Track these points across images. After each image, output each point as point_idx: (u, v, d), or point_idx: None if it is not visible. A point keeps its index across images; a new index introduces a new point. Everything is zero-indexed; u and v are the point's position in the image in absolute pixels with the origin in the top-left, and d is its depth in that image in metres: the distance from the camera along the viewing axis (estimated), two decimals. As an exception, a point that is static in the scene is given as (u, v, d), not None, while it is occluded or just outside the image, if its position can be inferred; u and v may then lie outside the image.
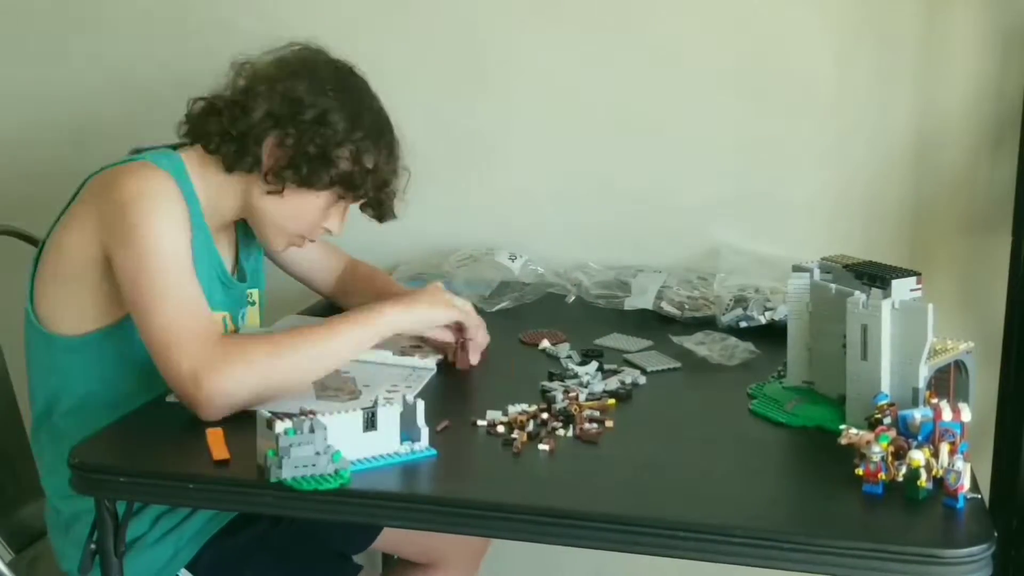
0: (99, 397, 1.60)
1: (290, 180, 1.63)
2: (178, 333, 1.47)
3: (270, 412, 1.31)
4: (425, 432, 1.37)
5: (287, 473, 1.27)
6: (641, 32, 2.16)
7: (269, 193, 1.65)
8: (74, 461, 1.36)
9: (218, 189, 1.66)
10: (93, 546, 1.41)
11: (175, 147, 1.68)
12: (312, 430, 1.28)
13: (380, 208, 1.76)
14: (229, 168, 1.64)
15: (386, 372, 1.66)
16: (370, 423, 1.34)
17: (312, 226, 1.71)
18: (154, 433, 1.46)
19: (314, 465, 1.27)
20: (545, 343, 1.81)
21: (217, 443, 1.36)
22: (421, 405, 1.37)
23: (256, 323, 1.82)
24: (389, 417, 1.36)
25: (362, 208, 1.75)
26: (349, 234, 1.96)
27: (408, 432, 1.37)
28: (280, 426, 1.27)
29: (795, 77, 2.13)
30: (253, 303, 1.81)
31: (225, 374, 1.44)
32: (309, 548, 1.72)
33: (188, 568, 1.63)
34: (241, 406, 1.45)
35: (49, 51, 2.40)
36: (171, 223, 1.54)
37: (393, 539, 1.86)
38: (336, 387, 1.58)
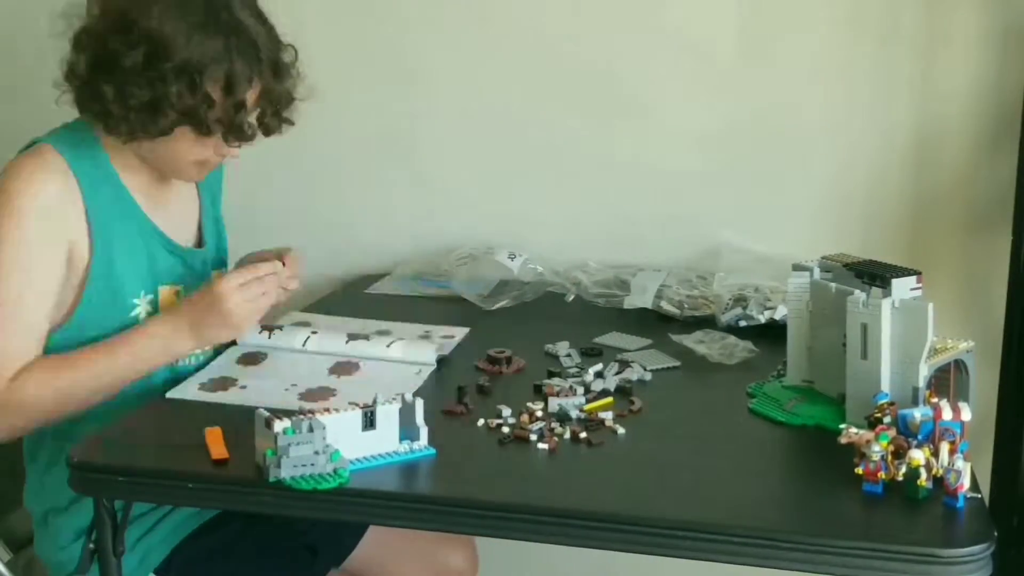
0: None
1: (131, 133, 1.50)
2: None
3: (268, 411, 1.30)
4: (424, 431, 1.37)
5: (286, 472, 1.26)
6: (642, 30, 2.16)
7: (127, 142, 1.54)
8: (73, 461, 1.35)
9: (125, 150, 1.57)
10: (91, 546, 1.40)
11: None
12: (311, 429, 1.27)
13: (265, 127, 1.58)
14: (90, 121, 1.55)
15: (384, 368, 1.66)
16: (369, 422, 1.34)
17: (196, 160, 1.57)
18: (153, 433, 1.45)
19: (313, 464, 1.27)
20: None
21: (216, 443, 1.36)
22: (420, 404, 1.37)
23: None
24: (388, 416, 1.35)
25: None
26: (345, 233, 1.95)
27: (407, 431, 1.37)
28: (279, 425, 1.27)
29: (795, 76, 2.12)
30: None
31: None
32: (278, 552, 1.69)
33: (156, 573, 1.61)
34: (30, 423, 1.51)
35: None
36: (28, 222, 1.48)
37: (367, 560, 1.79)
38: None
